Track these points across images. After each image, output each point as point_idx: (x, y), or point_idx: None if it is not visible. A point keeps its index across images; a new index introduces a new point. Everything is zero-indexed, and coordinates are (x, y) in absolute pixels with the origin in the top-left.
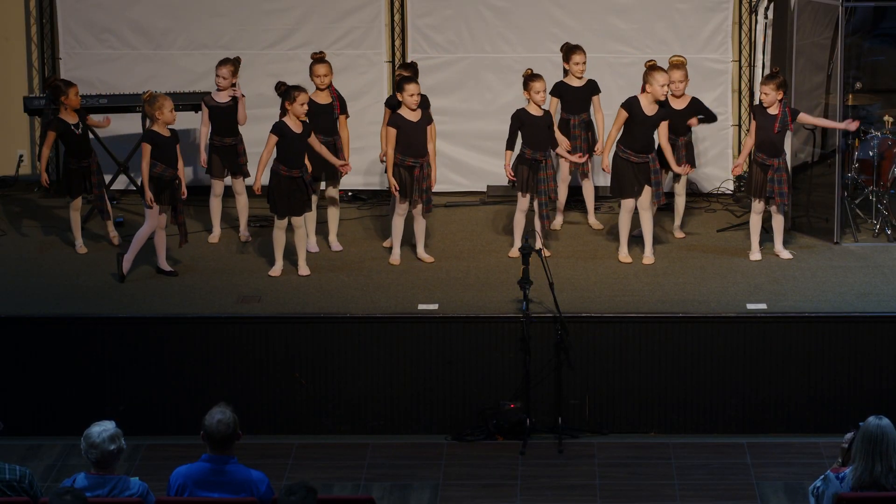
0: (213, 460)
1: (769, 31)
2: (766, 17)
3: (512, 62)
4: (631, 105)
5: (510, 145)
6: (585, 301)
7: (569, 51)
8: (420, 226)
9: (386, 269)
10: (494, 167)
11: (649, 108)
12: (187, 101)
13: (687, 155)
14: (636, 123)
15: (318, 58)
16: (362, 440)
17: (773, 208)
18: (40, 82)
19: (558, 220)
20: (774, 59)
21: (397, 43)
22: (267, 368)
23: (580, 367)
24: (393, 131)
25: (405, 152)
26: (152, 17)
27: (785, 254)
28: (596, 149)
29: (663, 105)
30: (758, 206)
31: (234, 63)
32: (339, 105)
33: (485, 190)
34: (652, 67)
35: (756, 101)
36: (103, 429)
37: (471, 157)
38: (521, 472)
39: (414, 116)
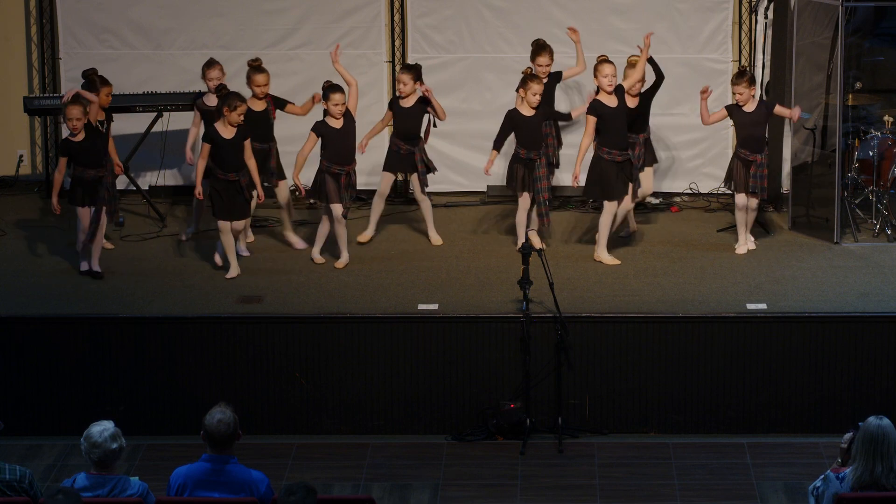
0: (213, 460)
1: (769, 31)
2: (766, 17)
3: (512, 62)
4: (595, 107)
5: (498, 145)
6: (585, 301)
7: (534, 52)
8: (340, 231)
9: (386, 269)
10: (495, 167)
11: (611, 101)
12: (188, 101)
13: (646, 152)
14: (607, 120)
15: (258, 66)
16: (362, 440)
17: (753, 202)
18: (40, 82)
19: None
20: (774, 59)
21: (397, 43)
22: (267, 368)
23: (580, 367)
24: (312, 137)
25: (331, 159)
26: (152, 17)
27: (750, 245)
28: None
29: (619, 94)
30: (741, 201)
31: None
32: (275, 109)
33: (485, 190)
34: (602, 61)
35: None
36: (104, 428)
37: (471, 157)
38: (521, 472)
39: (338, 124)
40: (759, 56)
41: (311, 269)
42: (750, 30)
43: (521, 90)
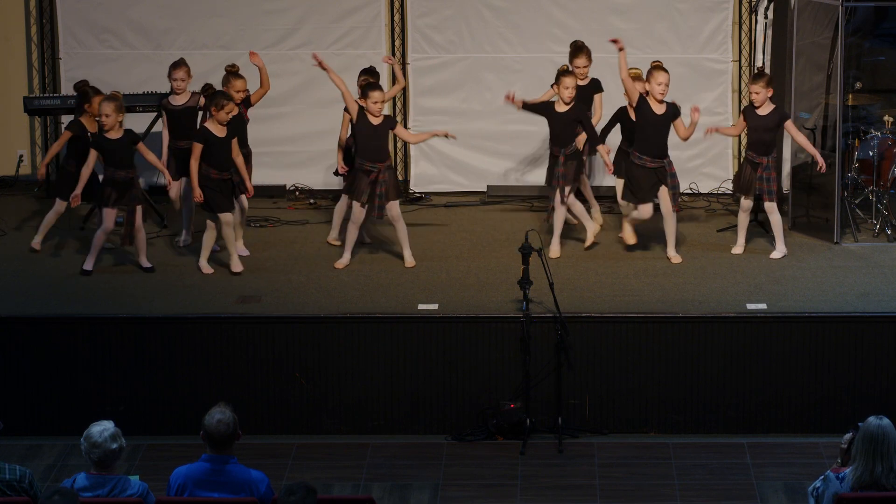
0: (213, 460)
1: (769, 31)
2: (766, 17)
3: (512, 62)
4: (641, 103)
5: (526, 105)
6: (585, 301)
7: (572, 53)
8: (351, 231)
9: (386, 269)
10: (494, 167)
11: (658, 108)
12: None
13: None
14: (647, 125)
15: (235, 71)
16: (362, 440)
17: (767, 206)
18: (40, 82)
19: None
20: (774, 59)
21: (397, 43)
22: (267, 368)
23: (580, 367)
24: (345, 118)
25: (364, 155)
26: (152, 17)
27: (777, 254)
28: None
29: (669, 105)
30: (746, 203)
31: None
32: (247, 111)
33: (485, 190)
34: (655, 67)
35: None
36: (104, 428)
37: (471, 157)
38: (521, 472)
39: (376, 121)
40: (759, 56)
41: (311, 269)
42: (750, 30)
43: (555, 87)
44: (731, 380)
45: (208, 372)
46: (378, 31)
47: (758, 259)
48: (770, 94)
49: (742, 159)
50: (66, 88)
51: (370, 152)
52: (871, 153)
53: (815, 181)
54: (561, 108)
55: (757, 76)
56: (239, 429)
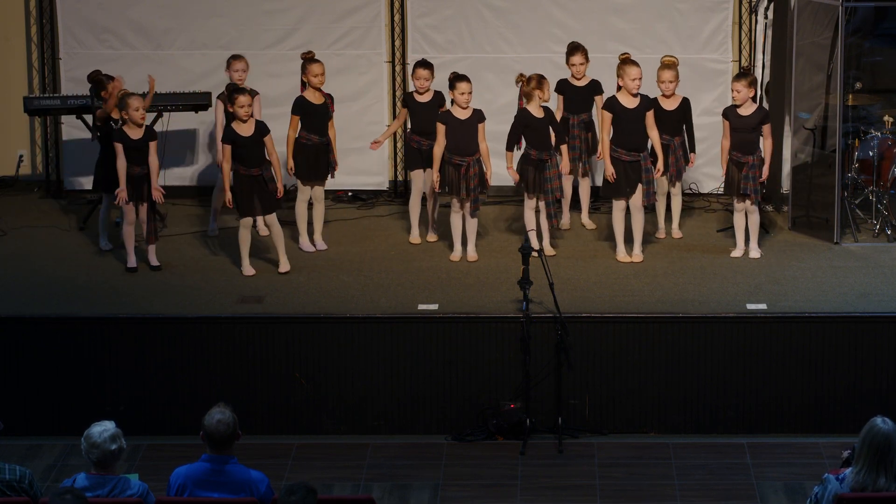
0: (213, 460)
1: (769, 31)
2: (766, 17)
3: (512, 62)
4: (612, 104)
5: (511, 146)
6: (585, 301)
7: (568, 52)
8: (473, 224)
9: (386, 269)
10: (494, 167)
11: (630, 102)
12: (187, 102)
13: (684, 155)
14: (622, 120)
15: (311, 57)
16: (362, 440)
17: (748, 205)
18: (40, 82)
19: (565, 219)
20: (774, 59)
21: (397, 43)
22: (267, 368)
23: (580, 367)
24: (441, 128)
25: (451, 150)
26: (152, 17)
27: (755, 253)
28: (597, 155)
29: (643, 97)
30: (739, 204)
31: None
32: (332, 104)
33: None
34: (624, 61)
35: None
36: (104, 429)
37: None
38: (521, 472)
39: (464, 115)
40: (759, 56)
41: (312, 269)
42: (750, 30)
43: (521, 102)
44: (731, 380)
45: (208, 372)
46: (378, 31)
47: (758, 259)
48: (752, 95)
49: (728, 160)
50: (66, 88)
51: (459, 147)
52: (871, 153)
53: (815, 181)
54: (538, 112)
55: (740, 74)
56: (239, 429)
